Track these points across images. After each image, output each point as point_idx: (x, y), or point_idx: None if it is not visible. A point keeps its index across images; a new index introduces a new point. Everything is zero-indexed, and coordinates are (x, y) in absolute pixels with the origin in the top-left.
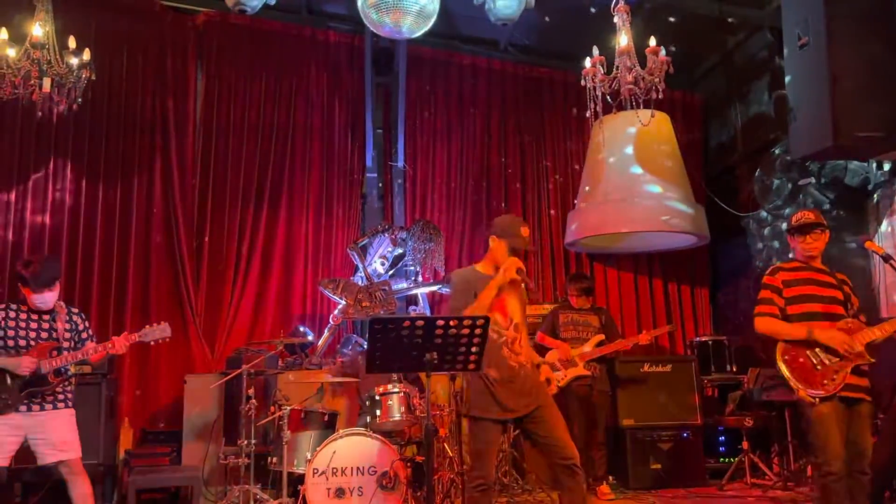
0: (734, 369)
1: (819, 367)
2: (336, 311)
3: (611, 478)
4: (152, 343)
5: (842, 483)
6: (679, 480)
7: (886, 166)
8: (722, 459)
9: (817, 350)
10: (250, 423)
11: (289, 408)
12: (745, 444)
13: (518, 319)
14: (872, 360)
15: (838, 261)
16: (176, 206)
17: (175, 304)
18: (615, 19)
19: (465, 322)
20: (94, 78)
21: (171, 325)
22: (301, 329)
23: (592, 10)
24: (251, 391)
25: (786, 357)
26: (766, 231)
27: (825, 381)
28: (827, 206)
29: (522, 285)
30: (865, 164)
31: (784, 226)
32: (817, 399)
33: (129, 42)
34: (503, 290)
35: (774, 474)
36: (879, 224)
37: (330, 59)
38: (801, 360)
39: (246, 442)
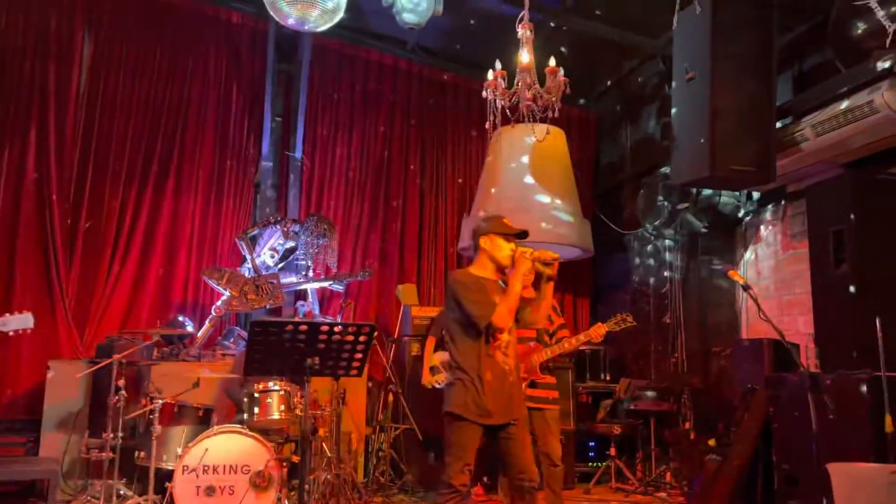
0: (608, 378)
1: None
2: (219, 303)
3: (485, 478)
4: (10, 334)
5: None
6: None
7: (756, 196)
8: (591, 464)
9: None
10: (118, 415)
11: (161, 401)
12: (612, 451)
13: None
14: (544, 378)
15: (707, 282)
16: (51, 179)
17: (43, 285)
18: (519, 34)
19: (350, 328)
20: None
21: (38, 307)
22: (180, 319)
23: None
24: (122, 382)
25: None
26: (648, 248)
27: None
28: (702, 230)
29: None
30: (737, 194)
31: (664, 243)
32: None
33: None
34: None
35: (637, 479)
36: (746, 250)
37: (231, 40)
38: None
39: (112, 435)
